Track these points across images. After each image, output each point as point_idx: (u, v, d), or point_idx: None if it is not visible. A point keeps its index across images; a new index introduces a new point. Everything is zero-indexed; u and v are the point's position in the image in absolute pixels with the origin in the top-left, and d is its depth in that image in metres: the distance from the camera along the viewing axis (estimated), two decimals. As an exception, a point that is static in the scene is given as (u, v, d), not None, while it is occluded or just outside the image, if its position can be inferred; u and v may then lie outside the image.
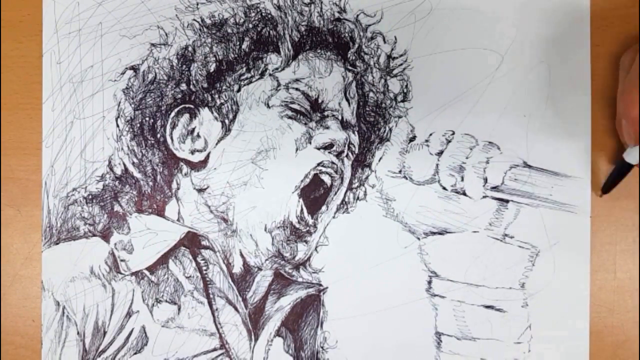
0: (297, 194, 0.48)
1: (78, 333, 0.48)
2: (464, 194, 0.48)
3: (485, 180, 0.47)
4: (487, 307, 0.48)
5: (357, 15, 0.49)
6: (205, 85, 0.48)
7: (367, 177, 0.49)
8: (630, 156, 0.44)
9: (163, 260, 0.48)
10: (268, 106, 0.48)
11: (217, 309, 0.48)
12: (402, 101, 0.49)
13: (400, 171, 0.48)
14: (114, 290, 0.48)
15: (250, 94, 0.48)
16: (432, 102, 0.48)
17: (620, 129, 0.44)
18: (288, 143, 0.48)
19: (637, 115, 0.42)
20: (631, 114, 0.42)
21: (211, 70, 0.48)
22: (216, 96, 0.48)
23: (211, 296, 0.48)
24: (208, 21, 0.48)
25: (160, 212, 0.49)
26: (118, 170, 0.49)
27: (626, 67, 0.45)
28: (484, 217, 0.48)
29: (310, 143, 0.48)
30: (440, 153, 0.48)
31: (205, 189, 0.48)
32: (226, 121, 0.48)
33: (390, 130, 0.49)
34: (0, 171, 0.49)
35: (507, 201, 0.48)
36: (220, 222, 0.48)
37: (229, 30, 0.48)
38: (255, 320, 0.48)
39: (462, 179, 0.48)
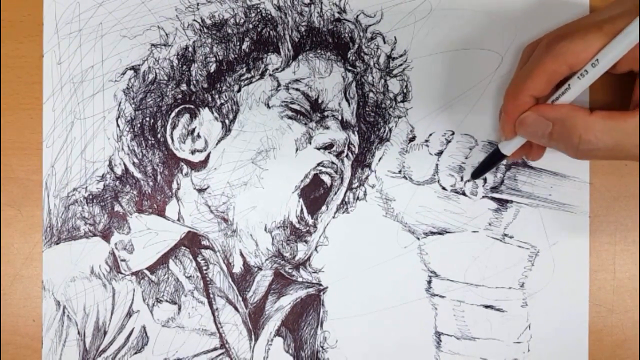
0: (297, 194, 0.48)
1: (78, 333, 0.48)
2: (464, 194, 0.48)
3: (485, 180, 0.48)
4: (487, 306, 0.48)
5: (357, 16, 0.49)
6: (206, 85, 0.48)
7: (367, 177, 0.49)
8: (506, 148, 0.44)
9: (163, 260, 0.48)
10: (268, 106, 0.48)
11: (217, 309, 0.48)
12: (402, 101, 0.49)
13: (400, 171, 0.49)
14: (115, 290, 0.48)
15: (251, 94, 0.48)
16: (432, 102, 0.49)
17: (500, 121, 0.44)
18: (288, 143, 0.48)
19: (513, 113, 0.42)
20: (508, 108, 0.42)
21: (211, 71, 0.48)
22: (216, 96, 0.48)
23: (211, 296, 0.48)
24: (208, 21, 0.48)
25: (160, 212, 0.49)
26: (118, 170, 0.49)
27: (524, 60, 0.45)
28: (483, 217, 0.48)
29: (310, 143, 0.48)
30: (439, 153, 0.48)
31: (205, 189, 0.48)
32: (226, 121, 0.48)
33: (390, 130, 0.49)
34: (1, 171, 0.49)
35: (507, 201, 0.48)
36: (221, 222, 0.48)
37: (229, 31, 0.48)
38: (255, 320, 0.49)
39: (462, 179, 0.48)
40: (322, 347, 0.48)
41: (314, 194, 0.48)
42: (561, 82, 0.41)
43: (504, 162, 0.48)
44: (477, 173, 0.47)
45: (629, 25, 0.37)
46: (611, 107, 0.40)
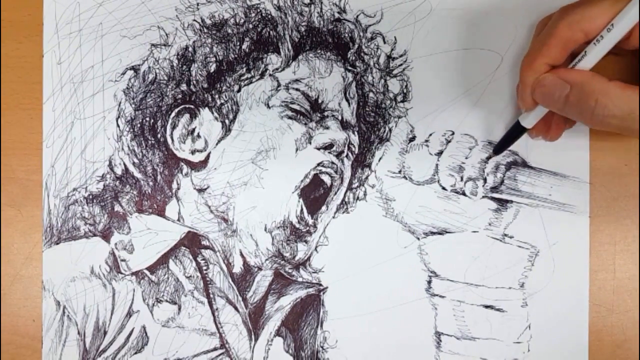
0: (297, 194, 0.48)
1: (78, 333, 0.48)
2: (464, 194, 0.48)
3: (485, 180, 0.48)
4: (487, 306, 0.48)
5: (357, 16, 0.49)
6: (206, 85, 0.48)
7: (367, 177, 0.49)
8: (526, 120, 0.44)
9: (163, 260, 0.48)
10: (268, 106, 0.48)
11: (217, 309, 0.48)
12: (402, 101, 0.49)
13: (400, 171, 0.49)
14: (115, 290, 0.48)
15: (251, 94, 0.48)
16: (432, 102, 0.49)
17: (518, 92, 0.44)
18: (288, 143, 0.48)
19: (530, 80, 0.42)
20: (524, 76, 0.42)
21: (211, 71, 0.48)
22: (216, 96, 0.48)
23: (211, 296, 0.48)
24: (208, 21, 0.48)
25: (160, 212, 0.49)
26: (118, 171, 0.49)
27: (538, 32, 0.45)
28: (483, 217, 0.48)
29: (310, 143, 0.48)
30: (439, 153, 0.48)
31: (205, 189, 0.48)
32: (226, 121, 0.48)
33: (390, 130, 0.49)
34: (1, 171, 0.49)
35: (507, 201, 0.48)
36: (221, 222, 0.48)
37: (229, 31, 0.48)
38: (255, 320, 0.49)
39: (462, 179, 0.48)
40: (322, 347, 0.48)
41: (314, 194, 0.48)
42: (575, 54, 0.41)
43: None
44: (498, 149, 0.47)
45: None
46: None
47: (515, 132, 0.46)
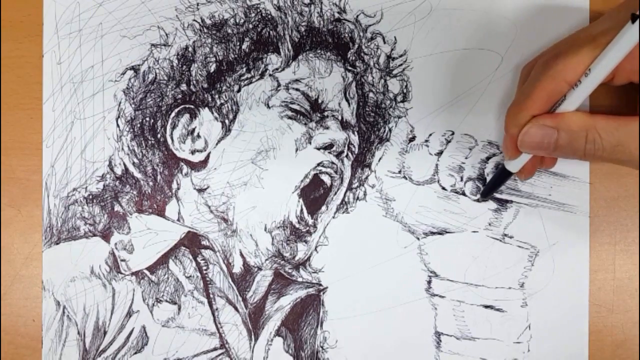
0: (297, 194, 0.48)
1: (78, 333, 0.48)
2: (464, 194, 0.48)
3: (485, 180, 0.48)
4: (487, 306, 0.48)
5: (357, 16, 0.49)
6: (206, 85, 0.48)
7: (366, 177, 0.49)
8: (511, 165, 0.44)
9: (163, 260, 0.48)
10: (268, 106, 0.48)
11: (217, 309, 0.48)
12: (402, 101, 0.49)
13: (399, 171, 0.49)
14: (114, 290, 0.48)
15: (250, 94, 0.48)
16: (431, 102, 0.49)
17: (503, 142, 0.45)
18: (288, 143, 0.48)
19: (514, 132, 0.42)
20: (509, 128, 0.42)
21: (211, 71, 0.48)
22: (216, 96, 0.48)
23: (211, 296, 0.48)
24: (208, 21, 0.48)
25: (160, 212, 0.49)
26: (118, 171, 0.49)
27: (523, 79, 0.45)
28: (483, 217, 0.48)
29: (310, 143, 0.48)
30: (439, 153, 0.48)
31: (205, 189, 0.48)
32: (226, 121, 0.48)
33: (390, 130, 0.49)
34: (1, 171, 0.50)
35: (507, 201, 0.48)
36: (221, 222, 0.48)
37: (229, 31, 0.48)
38: (255, 320, 0.49)
39: (462, 179, 0.48)
40: (322, 347, 0.48)
41: (314, 194, 0.48)
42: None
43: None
44: (486, 192, 0.47)
45: (617, 35, 0.37)
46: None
47: (502, 176, 0.46)
